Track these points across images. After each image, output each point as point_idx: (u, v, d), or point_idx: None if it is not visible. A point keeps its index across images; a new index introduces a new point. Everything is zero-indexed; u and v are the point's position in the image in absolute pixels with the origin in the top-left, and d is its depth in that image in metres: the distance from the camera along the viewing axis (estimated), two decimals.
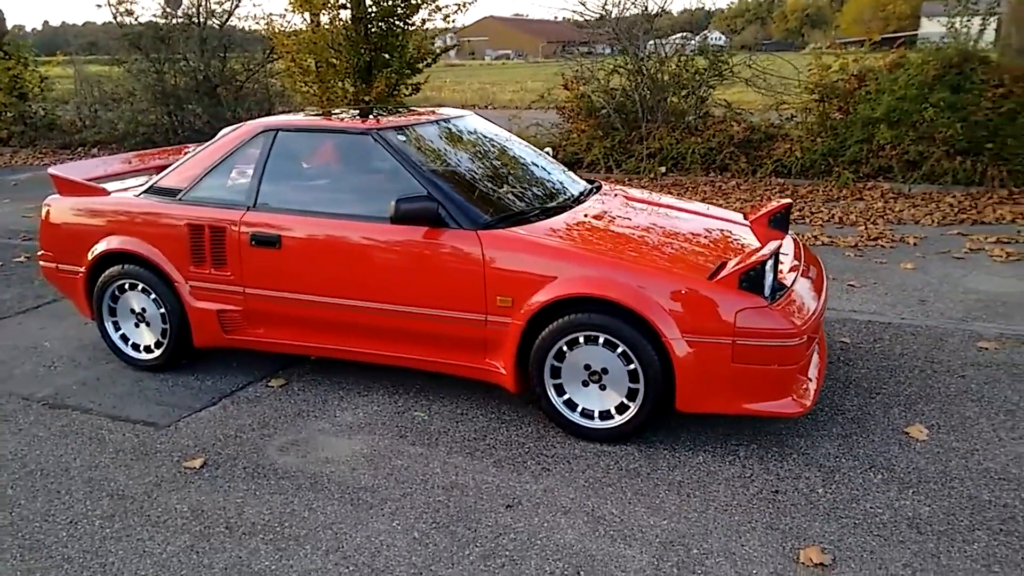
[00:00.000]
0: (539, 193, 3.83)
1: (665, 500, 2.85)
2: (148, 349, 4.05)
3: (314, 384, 3.89)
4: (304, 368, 4.08)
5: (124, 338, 4.10)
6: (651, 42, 10.03)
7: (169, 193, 3.88)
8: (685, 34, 10.61)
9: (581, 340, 3.16)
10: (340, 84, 11.18)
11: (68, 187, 4.14)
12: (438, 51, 11.35)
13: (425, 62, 11.22)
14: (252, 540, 2.68)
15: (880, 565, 2.47)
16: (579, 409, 3.27)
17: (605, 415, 3.23)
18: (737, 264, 3.08)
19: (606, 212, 3.71)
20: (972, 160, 7.87)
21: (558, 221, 3.49)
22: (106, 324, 4.08)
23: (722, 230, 3.72)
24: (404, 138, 3.63)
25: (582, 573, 2.47)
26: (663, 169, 9.20)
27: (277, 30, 11.24)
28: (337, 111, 4.26)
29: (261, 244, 3.61)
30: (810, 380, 3.20)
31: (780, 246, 3.18)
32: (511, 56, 71.50)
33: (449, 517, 2.79)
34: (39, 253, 4.27)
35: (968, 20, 8.46)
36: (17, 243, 6.99)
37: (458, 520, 2.77)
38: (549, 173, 4.11)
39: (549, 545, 2.61)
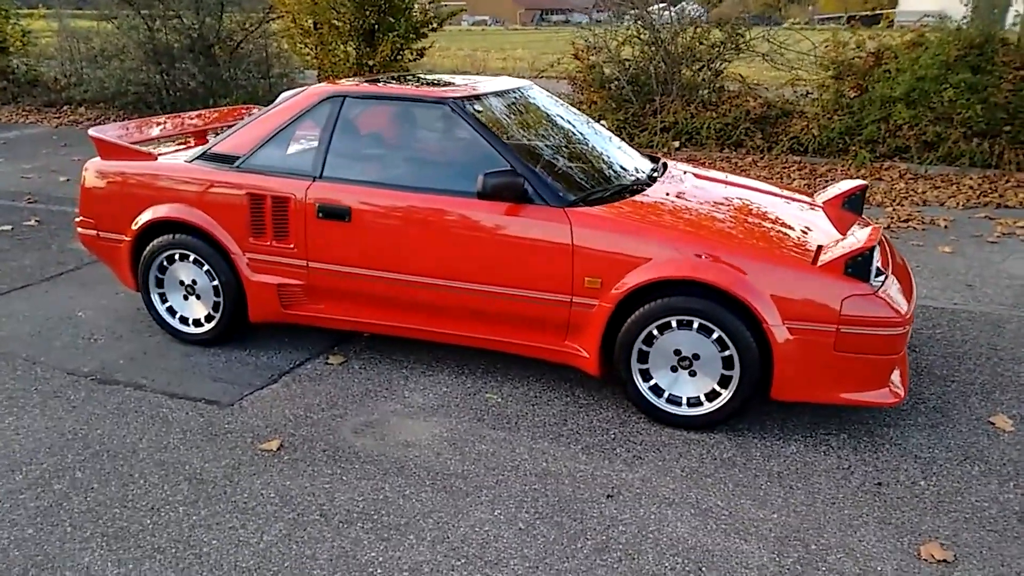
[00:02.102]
0: (615, 170, 3.70)
1: (769, 492, 2.79)
2: (198, 323, 3.87)
3: (374, 362, 3.76)
4: (360, 345, 3.94)
5: (171, 311, 3.91)
6: (664, 11, 9.85)
7: (226, 160, 3.68)
8: (663, 4, 10.34)
9: (673, 324, 3.06)
10: (342, 47, 10.86)
11: (111, 150, 3.91)
12: (444, 15, 11.05)
13: (430, 26, 10.94)
14: (351, 529, 2.57)
15: (1002, 562, 2.44)
16: (666, 395, 3.18)
17: (694, 402, 3.15)
18: (841, 249, 2.99)
19: (684, 191, 3.60)
20: (990, 143, 7.87)
21: (643, 200, 3.38)
22: (152, 296, 3.90)
23: (800, 212, 3.63)
24: (481, 108, 3.47)
25: (703, 569, 2.40)
26: (677, 144, 9.08)
27: None
28: (348, 80, 3.99)
29: (329, 216, 3.45)
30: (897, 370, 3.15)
31: (880, 231, 3.10)
32: (488, 22, 70.41)
33: (550, 507, 2.70)
34: (77, 219, 4.05)
35: None
36: (23, 206, 6.68)
37: (561, 510, 2.68)
38: (617, 148, 3.98)
39: (662, 539, 2.54)
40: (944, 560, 2.44)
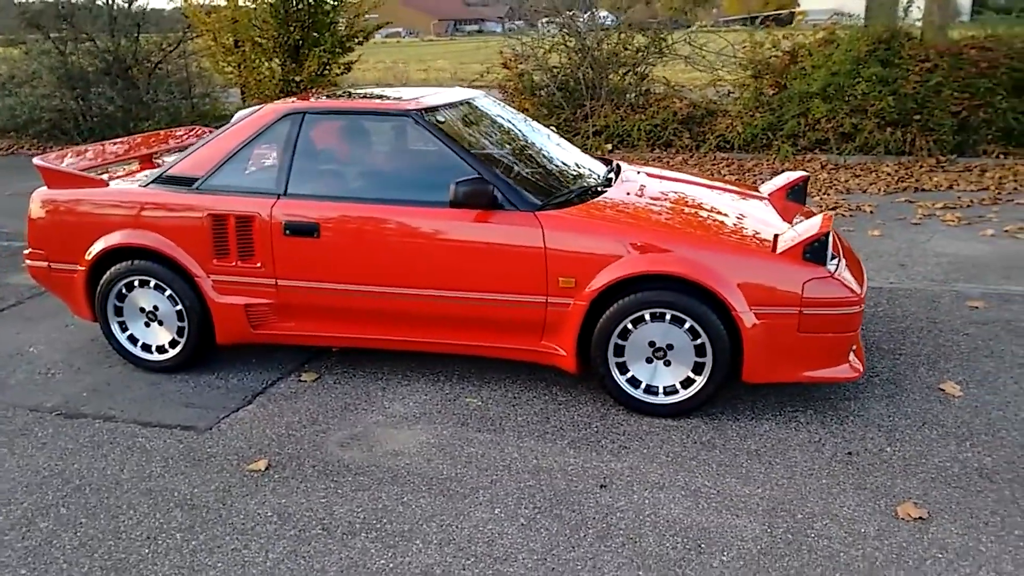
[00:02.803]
0: (575, 173, 3.81)
1: (751, 469, 2.93)
2: (161, 349, 3.80)
3: (348, 376, 3.76)
4: (330, 361, 3.93)
5: (132, 339, 3.82)
6: (575, 18, 10.06)
7: (183, 182, 3.63)
8: (574, 12, 10.60)
9: (647, 317, 3.18)
10: (267, 64, 10.74)
11: (59, 179, 3.80)
12: (370, 28, 11.04)
13: (356, 40, 10.92)
14: (356, 540, 2.58)
15: (971, 515, 2.63)
16: (643, 386, 3.29)
17: (670, 390, 3.27)
18: (798, 236, 3.16)
19: (643, 190, 3.73)
20: (902, 131, 8.34)
21: (606, 200, 3.49)
22: (112, 325, 3.80)
23: (751, 204, 3.81)
24: (443, 119, 3.53)
25: (703, 545, 2.52)
26: (609, 147, 9.31)
27: (194, 6, 10.67)
28: (288, 98, 4.01)
29: (297, 233, 3.44)
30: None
31: (832, 218, 3.29)
32: (403, 34, 70.11)
33: (548, 501, 2.77)
34: (26, 252, 3.92)
35: None
36: None
37: (559, 503, 2.75)
38: (571, 153, 4.09)
39: (659, 521, 2.64)
40: (920, 518, 2.61)
